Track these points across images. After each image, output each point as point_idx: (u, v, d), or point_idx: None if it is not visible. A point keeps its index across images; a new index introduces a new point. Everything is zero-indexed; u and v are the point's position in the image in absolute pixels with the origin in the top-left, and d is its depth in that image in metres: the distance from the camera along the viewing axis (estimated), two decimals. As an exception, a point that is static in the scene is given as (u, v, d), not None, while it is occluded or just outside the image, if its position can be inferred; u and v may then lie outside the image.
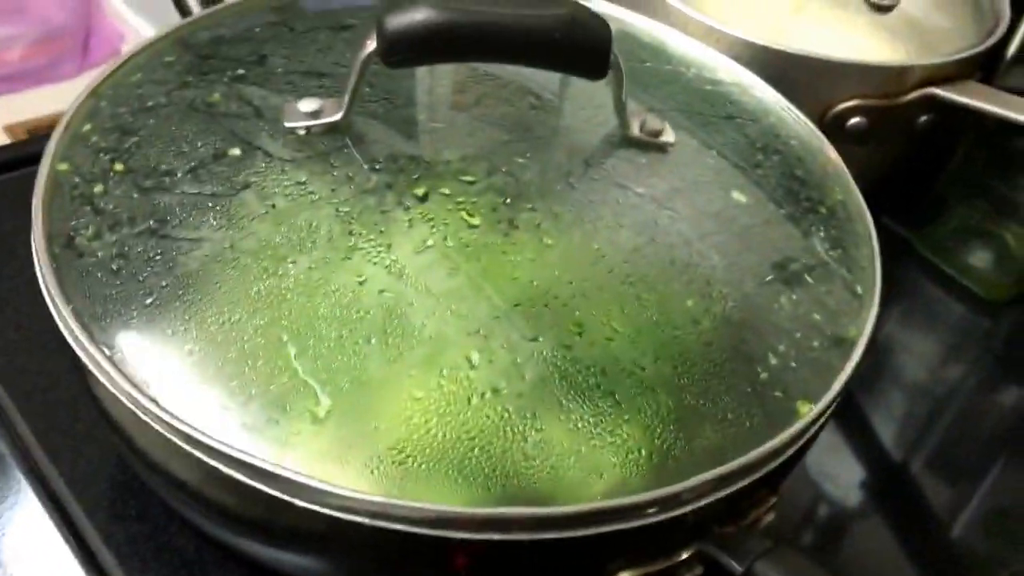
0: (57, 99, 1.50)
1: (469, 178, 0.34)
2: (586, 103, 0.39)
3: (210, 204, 0.33)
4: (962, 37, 0.53)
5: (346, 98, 0.35)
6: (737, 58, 0.45)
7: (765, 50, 0.48)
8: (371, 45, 0.34)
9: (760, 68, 0.45)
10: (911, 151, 0.52)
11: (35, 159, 0.52)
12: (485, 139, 0.37)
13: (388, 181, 0.34)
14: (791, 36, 0.57)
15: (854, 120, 0.49)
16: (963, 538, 0.46)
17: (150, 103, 0.37)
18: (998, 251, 0.53)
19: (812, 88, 0.48)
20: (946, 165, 0.55)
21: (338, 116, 0.35)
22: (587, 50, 0.34)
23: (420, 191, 0.34)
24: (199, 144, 0.35)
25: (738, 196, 0.37)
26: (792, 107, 0.42)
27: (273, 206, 0.33)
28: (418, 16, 0.33)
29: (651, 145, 0.37)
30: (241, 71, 0.39)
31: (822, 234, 0.37)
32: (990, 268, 0.54)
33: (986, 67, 0.50)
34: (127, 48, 0.40)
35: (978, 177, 0.52)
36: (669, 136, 0.38)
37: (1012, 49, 0.51)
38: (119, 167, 0.34)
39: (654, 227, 0.35)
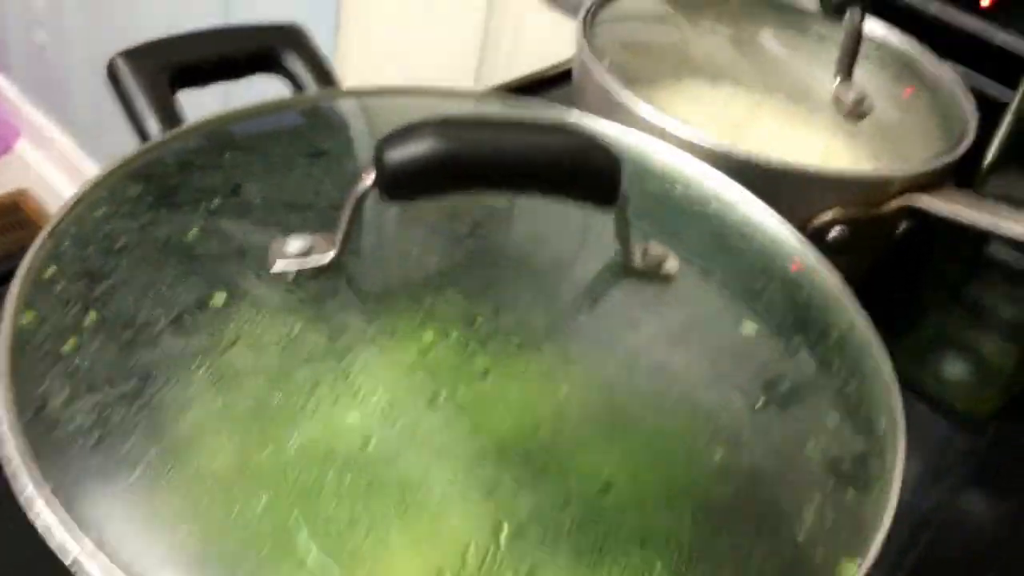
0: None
1: (476, 320, 0.32)
2: (583, 228, 0.38)
3: (197, 361, 0.30)
4: (930, 140, 0.54)
5: (338, 236, 0.33)
6: (714, 167, 0.45)
7: (745, 161, 0.47)
8: (367, 179, 0.32)
9: (737, 178, 0.44)
10: (891, 258, 0.52)
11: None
12: (485, 275, 0.35)
13: (389, 328, 0.32)
14: (754, 141, 0.57)
15: (835, 232, 0.48)
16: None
17: (119, 243, 0.34)
18: (975, 364, 0.53)
19: (792, 200, 0.47)
20: (922, 274, 0.55)
21: (330, 256, 0.33)
22: (597, 179, 0.33)
23: (426, 338, 0.32)
24: (179, 290, 0.32)
25: (748, 328, 0.36)
26: (784, 224, 0.42)
27: (267, 362, 0.30)
28: (421, 148, 0.31)
29: (655, 275, 0.36)
30: (216, 204, 0.36)
31: (836, 366, 0.35)
32: (968, 382, 0.53)
33: (960, 172, 0.51)
34: (80, 186, 0.36)
35: (954, 286, 0.52)
36: (672, 265, 0.36)
37: (989, 157, 0.51)
38: (91, 318, 0.31)
39: (671, 369, 0.33)
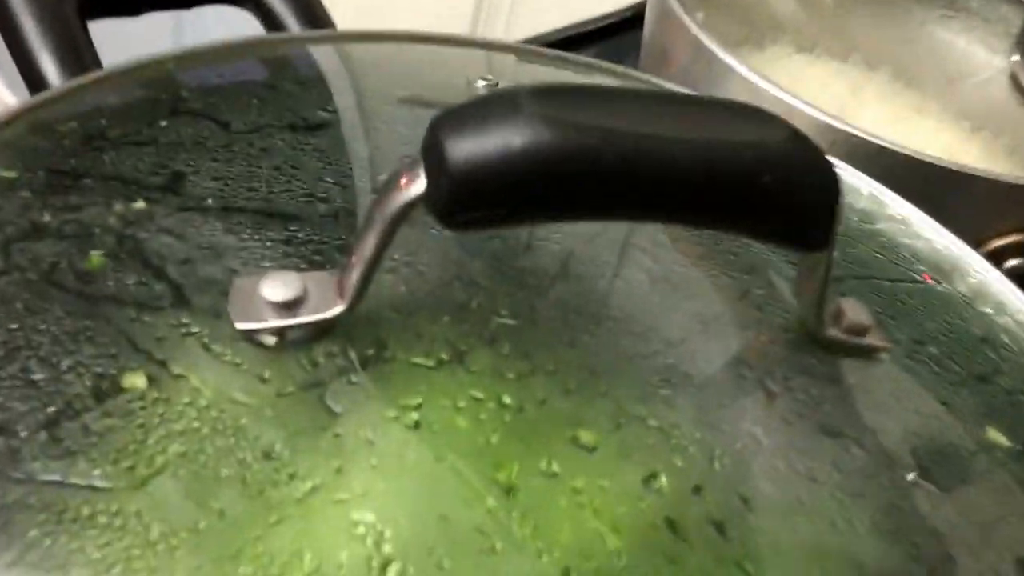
0: None
1: (585, 440, 0.19)
2: (726, 274, 0.24)
3: (87, 511, 0.16)
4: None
5: (353, 276, 0.19)
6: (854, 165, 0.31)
7: (905, 161, 0.34)
8: (412, 187, 0.18)
9: (887, 184, 0.31)
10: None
11: None
12: (589, 350, 0.21)
13: (434, 450, 0.18)
14: (857, 117, 0.44)
15: (1015, 261, 0.35)
16: None
17: (-30, 268, 0.20)
18: None
19: (962, 214, 0.34)
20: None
21: (338, 309, 0.19)
22: (808, 208, 0.19)
23: (500, 476, 0.18)
24: (65, 364, 0.18)
25: (995, 436, 0.22)
26: (993, 270, 0.28)
27: (221, 516, 0.16)
28: (520, 140, 0.17)
29: (855, 350, 0.23)
30: (140, 204, 0.22)
31: None
32: None
33: None
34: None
35: None
36: (877, 336, 0.23)
37: None
38: None
39: (896, 514, 0.19)
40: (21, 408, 0.17)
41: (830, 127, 0.34)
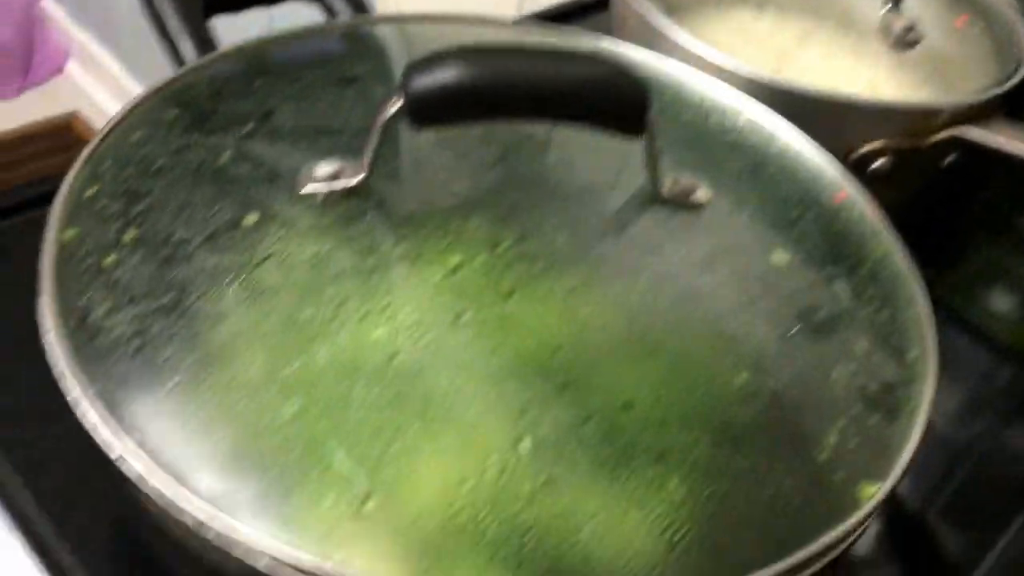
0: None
1: (502, 244, 0.33)
2: (613, 156, 0.38)
3: (230, 277, 0.31)
4: (983, 71, 0.52)
5: (366, 160, 0.33)
6: (754, 97, 0.44)
7: (786, 90, 0.46)
8: (395, 105, 0.32)
9: (779, 108, 0.44)
10: (936, 191, 0.51)
11: (4, 213, 0.50)
12: (513, 200, 0.35)
13: (416, 249, 0.32)
14: (798, 70, 0.56)
15: (879, 162, 0.47)
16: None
17: (156, 164, 0.35)
18: (1022, 297, 0.51)
19: (835, 129, 0.46)
20: (971, 206, 0.54)
21: (358, 179, 0.33)
22: (625, 110, 0.33)
23: (452, 261, 0.32)
24: (213, 210, 0.33)
25: (779, 257, 0.36)
26: (822, 152, 0.41)
27: (297, 279, 0.31)
28: (448, 74, 0.31)
29: (685, 205, 0.36)
30: (249, 128, 0.36)
31: (868, 294, 0.35)
32: (1014, 314, 0.52)
33: (1012, 104, 0.49)
34: (122, 106, 0.37)
35: (1004, 217, 0.50)
36: (703, 195, 0.36)
37: None
38: (130, 236, 0.32)
39: (697, 295, 0.33)
40: (193, 232, 0.32)
41: (730, 72, 0.47)
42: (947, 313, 0.52)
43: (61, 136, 1.49)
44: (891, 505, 0.46)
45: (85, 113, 1.53)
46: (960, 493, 0.47)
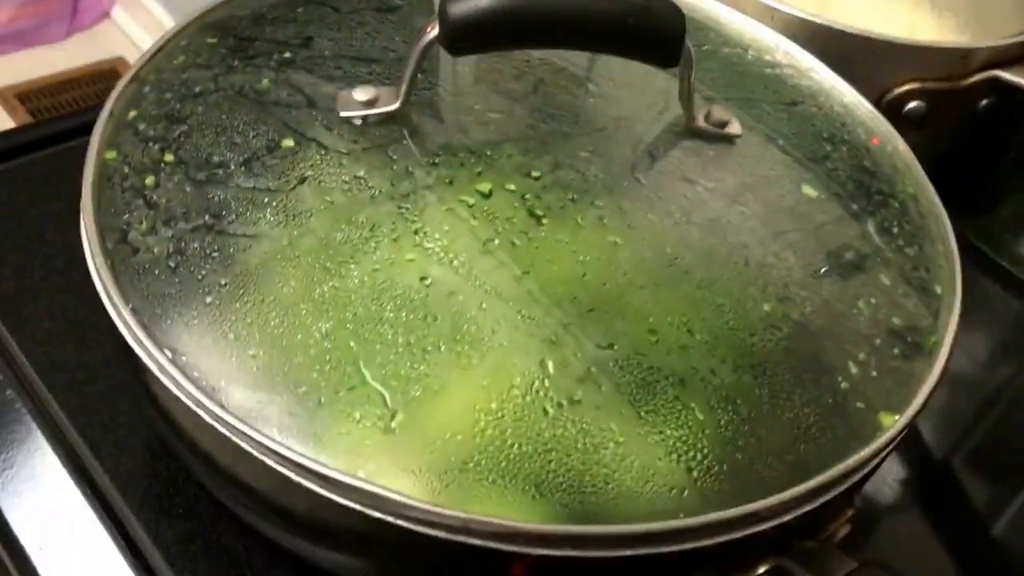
0: (46, 63, 1.47)
1: (534, 173, 0.33)
2: (647, 89, 0.38)
3: (266, 199, 0.32)
4: (1020, 17, 0.51)
5: (403, 87, 0.34)
6: (792, 37, 0.44)
7: (824, 29, 0.46)
8: (432, 32, 0.32)
9: (816, 48, 0.43)
10: (970, 135, 0.51)
11: (47, 142, 0.51)
12: (547, 131, 0.35)
13: (449, 176, 0.33)
14: (839, 11, 0.55)
15: (913, 104, 0.47)
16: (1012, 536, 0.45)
17: (196, 89, 0.35)
18: None
19: (871, 70, 0.46)
20: (1005, 150, 0.53)
21: (395, 106, 0.34)
22: (660, 38, 0.33)
23: (484, 187, 0.32)
24: (251, 134, 0.34)
25: (808, 190, 0.36)
26: (856, 92, 0.41)
27: (332, 202, 0.32)
28: (485, 2, 0.31)
29: (717, 136, 0.36)
30: (288, 55, 0.37)
31: (896, 231, 0.35)
32: None
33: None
34: (165, 32, 0.38)
35: None
36: (735, 127, 0.36)
37: None
38: (169, 158, 0.33)
39: (726, 225, 0.33)
40: (231, 155, 0.33)
41: (772, 8, 0.46)
42: (980, 260, 0.52)
43: (108, 80, 1.51)
44: (915, 447, 0.47)
45: (130, 58, 1.54)
46: (986, 440, 0.48)
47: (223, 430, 0.27)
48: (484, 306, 0.30)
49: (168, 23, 1.52)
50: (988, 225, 0.53)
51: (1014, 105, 0.49)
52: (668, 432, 0.28)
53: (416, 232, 0.31)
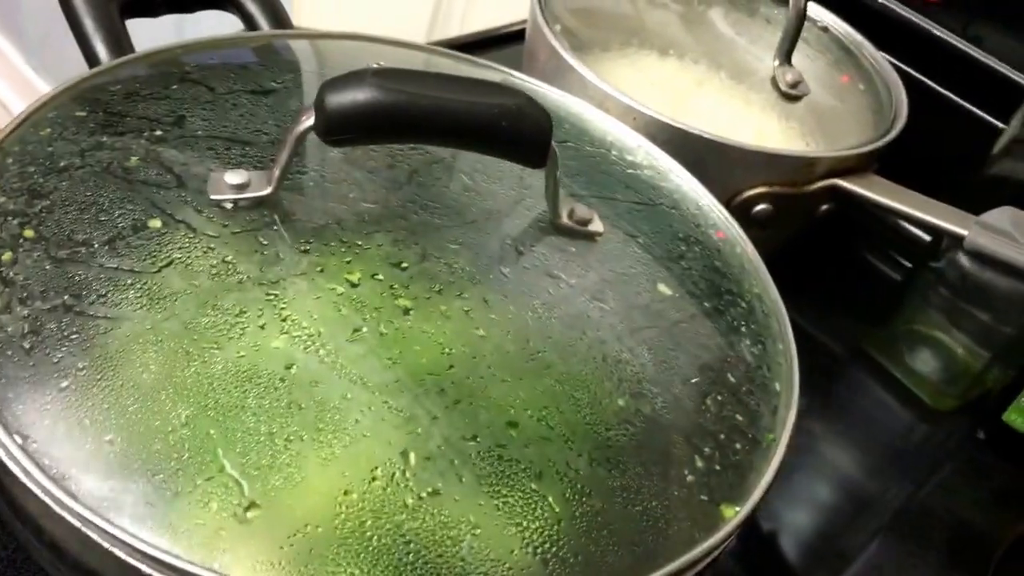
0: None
1: (403, 263, 0.34)
2: (517, 184, 0.40)
3: (130, 280, 0.31)
4: (860, 127, 0.56)
5: (276, 173, 0.34)
6: (652, 138, 0.46)
7: (681, 133, 0.49)
8: (307, 120, 0.33)
9: (673, 149, 0.46)
10: (807, 234, 0.55)
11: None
12: (418, 221, 0.36)
13: (319, 264, 0.33)
14: (694, 114, 0.59)
15: (760, 207, 0.50)
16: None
17: (62, 163, 0.35)
18: (946, 361, 0.54)
19: (723, 172, 0.49)
20: (839, 249, 0.57)
21: (267, 191, 0.34)
22: (531, 141, 0.34)
23: (353, 276, 0.33)
24: (117, 213, 0.33)
25: (664, 288, 0.38)
26: (710, 195, 0.44)
27: (198, 286, 0.32)
28: (362, 96, 0.32)
29: (580, 233, 0.38)
30: (159, 133, 0.37)
31: (743, 329, 0.38)
32: (937, 376, 0.55)
33: (883, 160, 0.53)
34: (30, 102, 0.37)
35: (935, 287, 0.54)
36: (598, 225, 0.38)
37: (1001, 141, 0.54)
38: (29, 233, 0.32)
39: (586, 320, 0.35)
40: (95, 233, 0.33)
41: (632, 111, 0.49)
42: (874, 369, 0.55)
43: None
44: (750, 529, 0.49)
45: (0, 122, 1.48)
46: (852, 543, 0.50)
47: (71, 519, 0.27)
48: (349, 395, 0.30)
49: (28, 72, 1.47)
50: (885, 338, 0.57)
51: (851, 210, 0.53)
52: (525, 524, 0.29)
53: (283, 319, 0.31)
